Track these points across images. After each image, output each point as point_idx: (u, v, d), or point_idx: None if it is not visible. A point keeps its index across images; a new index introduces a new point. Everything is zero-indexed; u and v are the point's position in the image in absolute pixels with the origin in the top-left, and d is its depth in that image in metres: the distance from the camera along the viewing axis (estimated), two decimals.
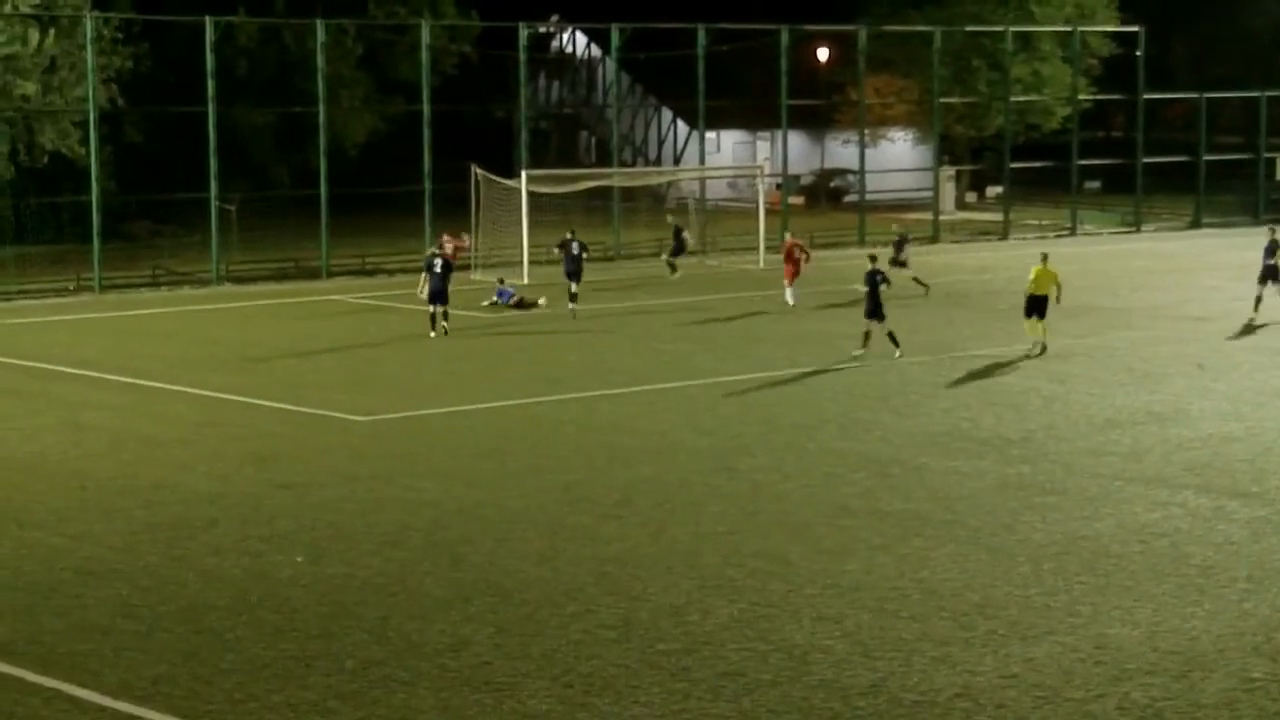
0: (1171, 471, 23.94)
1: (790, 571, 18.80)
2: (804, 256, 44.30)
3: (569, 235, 43.53)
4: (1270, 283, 40.14)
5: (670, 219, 54.14)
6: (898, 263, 44.49)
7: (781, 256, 45.18)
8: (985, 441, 25.97)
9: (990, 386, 31.12)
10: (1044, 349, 34.74)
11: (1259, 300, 39.92)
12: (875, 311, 34.46)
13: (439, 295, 37.71)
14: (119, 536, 20.52)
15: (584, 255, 43.35)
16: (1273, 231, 41.27)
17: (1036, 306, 35.12)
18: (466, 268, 49.52)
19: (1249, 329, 38.65)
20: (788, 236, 46.75)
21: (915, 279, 44.53)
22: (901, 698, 14.91)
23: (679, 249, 51.47)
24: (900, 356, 33.81)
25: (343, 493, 22.77)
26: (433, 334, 37.72)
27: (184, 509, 21.87)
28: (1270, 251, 40.50)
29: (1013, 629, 16.77)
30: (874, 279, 34.59)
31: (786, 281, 43.51)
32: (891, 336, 34.30)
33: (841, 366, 33.24)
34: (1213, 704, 14.78)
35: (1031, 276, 35.43)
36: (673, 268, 50.50)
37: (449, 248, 43.06)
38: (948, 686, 15.15)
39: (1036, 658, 15.91)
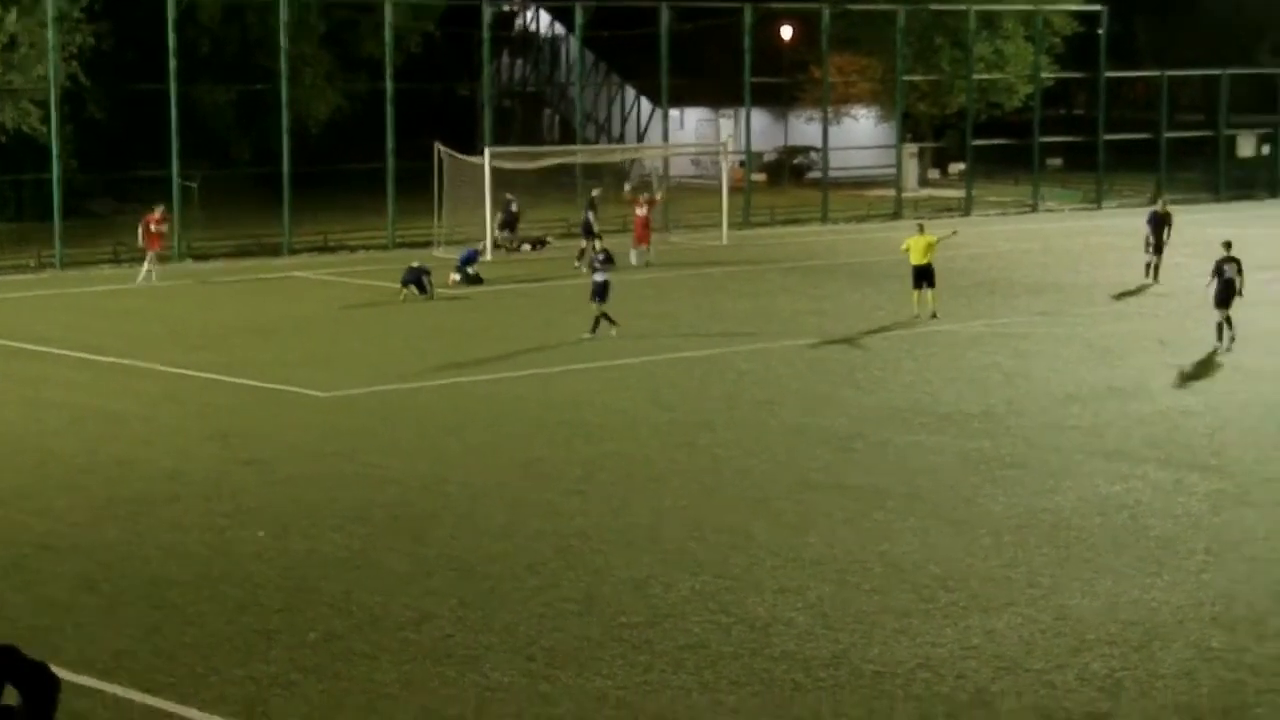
0: (1132, 445, 24.06)
1: (752, 545, 18.86)
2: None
3: (593, 194, 47.55)
4: (1157, 253, 42.80)
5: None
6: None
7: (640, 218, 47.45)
8: (946, 416, 26.07)
9: (952, 361, 31.21)
10: (934, 316, 35.98)
11: (1151, 267, 42.73)
12: (600, 293, 34.44)
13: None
14: (80, 512, 20.47)
15: (590, 215, 46.67)
16: (1164, 204, 44.57)
17: (924, 276, 36.39)
18: (428, 244, 49.53)
19: (1140, 291, 41.43)
20: (645, 196, 47.90)
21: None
22: (863, 669, 14.97)
23: None
24: (589, 336, 33.77)
25: (305, 469, 22.75)
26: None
27: (145, 485, 21.83)
28: (1156, 222, 43.06)
29: (973, 601, 16.85)
30: (602, 261, 34.96)
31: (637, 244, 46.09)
32: (606, 316, 34.09)
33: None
34: (1172, 674, 14.88)
35: (904, 248, 37.01)
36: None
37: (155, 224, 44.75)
38: (909, 658, 15.22)
39: (997, 629, 15.99)
